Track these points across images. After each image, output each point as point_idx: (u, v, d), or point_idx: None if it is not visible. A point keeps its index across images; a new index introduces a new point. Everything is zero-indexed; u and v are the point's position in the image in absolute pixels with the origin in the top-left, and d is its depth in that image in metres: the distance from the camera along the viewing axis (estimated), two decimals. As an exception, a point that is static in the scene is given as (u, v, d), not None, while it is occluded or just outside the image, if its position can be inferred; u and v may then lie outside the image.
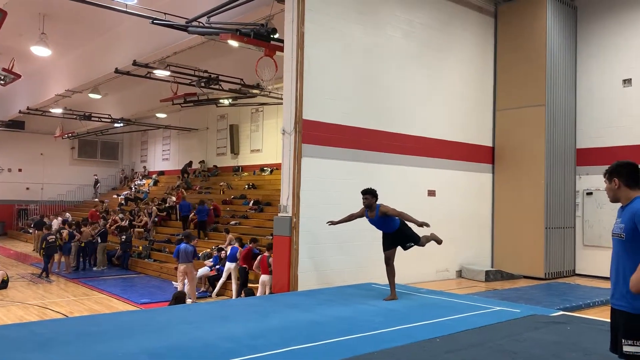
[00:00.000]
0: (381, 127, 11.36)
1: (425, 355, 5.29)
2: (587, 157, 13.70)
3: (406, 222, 8.18)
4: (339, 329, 6.24)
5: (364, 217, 8.34)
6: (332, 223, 8.69)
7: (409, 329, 6.39)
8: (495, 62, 14.16)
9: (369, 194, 8.10)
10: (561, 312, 7.76)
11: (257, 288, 10.86)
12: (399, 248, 8.35)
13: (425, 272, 11.98)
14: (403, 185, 11.74)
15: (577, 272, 13.59)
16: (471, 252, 13.40)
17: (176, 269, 12.35)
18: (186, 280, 11.46)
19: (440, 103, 12.74)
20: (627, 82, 13.05)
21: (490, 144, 14.04)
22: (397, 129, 11.70)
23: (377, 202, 8.12)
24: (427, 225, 7.85)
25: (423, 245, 8.51)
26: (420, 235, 8.37)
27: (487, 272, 12.56)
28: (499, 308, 7.77)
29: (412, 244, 8.32)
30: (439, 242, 8.62)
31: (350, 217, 8.59)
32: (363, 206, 8.21)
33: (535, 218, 13.04)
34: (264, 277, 10.58)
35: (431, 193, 12.41)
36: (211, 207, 18.22)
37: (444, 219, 12.65)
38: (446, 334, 6.10)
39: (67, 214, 23.22)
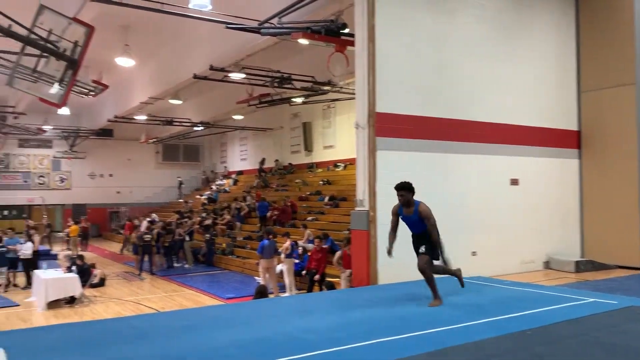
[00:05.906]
0: (457, 116, 11.06)
1: (517, 348, 5.10)
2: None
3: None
4: (423, 322, 6.13)
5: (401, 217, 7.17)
6: (390, 252, 7.17)
7: (496, 321, 6.18)
8: (577, 41, 13.36)
9: (404, 190, 6.96)
10: (664, 304, 7.23)
11: (336, 282, 10.96)
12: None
13: (509, 264, 11.55)
14: (483, 175, 11.39)
15: (679, 260, 12.60)
16: (558, 241, 12.76)
17: (257, 264, 12.70)
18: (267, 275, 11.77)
19: (518, 87, 12.22)
20: None
21: (575, 128, 13.29)
22: (474, 116, 11.34)
23: (415, 199, 7.04)
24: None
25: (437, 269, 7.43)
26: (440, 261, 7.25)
27: (577, 263, 11.93)
28: (592, 299, 7.35)
29: (432, 255, 7.16)
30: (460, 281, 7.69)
31: (393, 229, 7.25)
32: (398, 203, 7.08)
33: (629, 204, 12.21)
34: (347, 272, 10.63)
35: (514, 182, 11.95)
36: (289, 204, 18.58)
37: (529, 209, 12.15)
38: (536, 326, 5.84)
39: (154, 214, 24.43)
